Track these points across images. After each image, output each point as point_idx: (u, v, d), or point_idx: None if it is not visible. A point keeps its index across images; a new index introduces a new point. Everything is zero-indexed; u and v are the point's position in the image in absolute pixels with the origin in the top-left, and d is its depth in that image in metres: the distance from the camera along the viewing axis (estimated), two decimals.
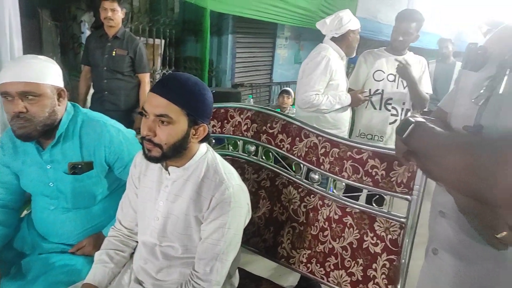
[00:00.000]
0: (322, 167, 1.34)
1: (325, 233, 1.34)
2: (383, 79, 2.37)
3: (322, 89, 2.14)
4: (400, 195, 1.19)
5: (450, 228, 0.80)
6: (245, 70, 4.57)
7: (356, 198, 1.36)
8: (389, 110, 2.34)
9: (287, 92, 3.53)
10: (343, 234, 1.31)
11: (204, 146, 1.13)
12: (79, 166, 1.30)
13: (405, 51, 2.39)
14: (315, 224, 1.37)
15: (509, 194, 0.59)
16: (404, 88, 2.33)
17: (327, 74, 2.12)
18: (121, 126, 1.40)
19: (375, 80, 2.38)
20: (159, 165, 1.12)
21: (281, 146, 1.43)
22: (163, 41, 3.75)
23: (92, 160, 1.32)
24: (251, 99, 3.62)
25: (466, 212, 0.72)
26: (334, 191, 1.38)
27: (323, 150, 1.33)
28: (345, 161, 1.28)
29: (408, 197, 1.17)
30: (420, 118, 0.81)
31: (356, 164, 1.26)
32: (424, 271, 0.93)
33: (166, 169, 1.11)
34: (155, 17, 3.66)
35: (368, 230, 1.26)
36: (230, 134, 1.54)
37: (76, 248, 1.35)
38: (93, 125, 1.33)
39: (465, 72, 0.82)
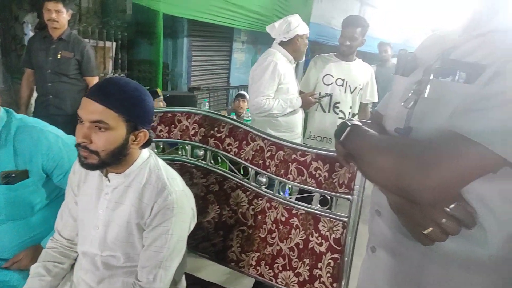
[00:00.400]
0: (268, 170, 1.35)
1: (273, 235, 1.36)
2: (331, 83, 2.45)
3: (272, 93, 2.18)
4: (342, 195, 1.24)
5: (386, 226, 0.83)
6: (202, 74, 4.55)
7: (310, 200, 1.39)
8: (337, 113, 2.43)
9: (243, 96, 3.55)
10: (290, 235, 1.33)
11: (146, 152, 1.11)
12: (13, 175, 1.23)
13: (353, 56, 2.49)
14: (263, 227, 1.38)
15: (433, 192, 0.64)
16: (351, 93, 2.43)
17: (276, 78, 2.16)
18: (60, 132, 1.34)
19: (324, 84, 2.46)
20: (98, 172, 1.08)
21: (229, 150, 1.43)
22: (114, 43, 3.64)
23: (27, 168, 1.25)
24: (206, 103, 3.60)
25: (397, 211, 0.76)
26: (291, 197, 1.41)
27: (269, 153, 1.35)
28: (290, 163, 1.31)
29: (349, 197, 1.22)
30: (356, 122, 0.84)
31: (300, 166, 1.29)
32: (363, 268, 0.96)
33: (106, 176, 1.08)
34: (105, 18, 3.54)
35: (313, 231, 1.29)
36: (178, 139, 1.52)
37: (11, 263, 1.27)
38: (29, 131, 1.26)
39: (396, 77, 0.87)
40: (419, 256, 0.76)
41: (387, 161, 0.68)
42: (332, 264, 1.26)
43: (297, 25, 2.21)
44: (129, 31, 3.83)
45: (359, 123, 0.84)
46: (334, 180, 1.24)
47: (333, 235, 1.26)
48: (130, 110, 0.98)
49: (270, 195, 1.37)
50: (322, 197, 1.30)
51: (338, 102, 2.45)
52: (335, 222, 1.26)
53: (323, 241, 1.27)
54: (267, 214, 1.37)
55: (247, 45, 5.03)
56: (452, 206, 0.65)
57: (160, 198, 1.03)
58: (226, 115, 3.44)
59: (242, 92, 3.73)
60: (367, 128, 0.81)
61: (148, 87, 1.57)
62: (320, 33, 5.07)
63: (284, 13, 4.67)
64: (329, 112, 2.49)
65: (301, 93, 2.40)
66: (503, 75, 0.61)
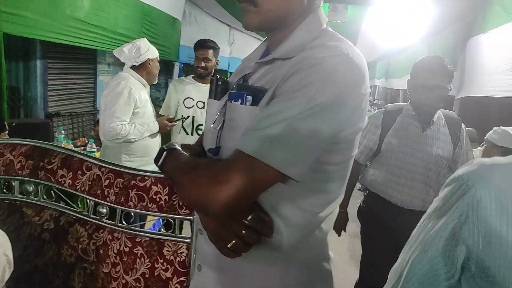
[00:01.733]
0: (108, 199, 1.28)
1: (117, 268, 1.28)
2: (193, 106, 2.49)
3: (128, 118, 2.10)
4: (183, 217, 1.24)
5: (206, 244, 0.85)
6: (62, 99, 4.13)
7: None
8: None
9: None
10: (135, 266, 1.27)
11: None
12: None
13: (210, 78, 2.58)
14: (107, 261, 1.29)
15: (223, 207, 0.67)
16: None
17: (131, 103, 2.10)
18: None
19: (185, 107, 2.49)
20: None
21: (63, 182, 1.31)
22: None
23: None
24: (62, 130, 3.28)
25: (205, 227, 0.79)
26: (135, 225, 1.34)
27: (107, 181, 1.28)
28: (130, 190, 1.27)
29: (191, 217, 1.23)
30: (175, 146, 0.85)
31: (140, 192, 1.26)
32: (191, 287, 0.96)
33: None
34: None
35: (158, 257, 1.26)
36: (1, 175, 1.34)
37: None
38: None
39: (210, 100, 0.92)
40: (238, 267, 0.80)
41: (188, 182, 0.70)
42: None
43: (147, 49, 2.21)
44: None
45: (177, 147, 0.85)
46: (175, 203, 1.24)
47: (178, 258, 1.25)
48: None
49: (112, 226, 1.30)
50: (165, 221, 1.29)
51: (201, 124, 2.50)
52: (179, 244, 1.25)
53: (168, 266, 1.25)
54: (110, 247, 1.29)
55: (114, 67, 4.79)
56: (249, 217, 0.70)
57: None
58: (87, 141, 3.18)
59: None
60: (182, 152, 0.82)
61: None
62: (192, 55, 5.16)
63: (152, 35, 4.62)
64: (192, 134, 2.51)
65: (159, 116, 2.38)
66: (276, 98, 0.70)
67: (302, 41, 0.74)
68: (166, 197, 1.24)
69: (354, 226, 4.06)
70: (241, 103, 0.75)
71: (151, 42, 2.57)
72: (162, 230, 1.28)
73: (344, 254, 3.47)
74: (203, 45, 2.47)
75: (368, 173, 1.94)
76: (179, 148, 0.84)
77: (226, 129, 0.79)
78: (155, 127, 2.24)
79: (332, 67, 0.66)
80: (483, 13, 4.01)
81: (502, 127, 2.34)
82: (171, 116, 2.41)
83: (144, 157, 2.16)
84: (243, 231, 0.70)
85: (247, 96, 0.75)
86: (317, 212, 0.76)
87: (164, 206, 1.25)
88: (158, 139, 2.32)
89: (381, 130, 1.87)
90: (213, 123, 0.84)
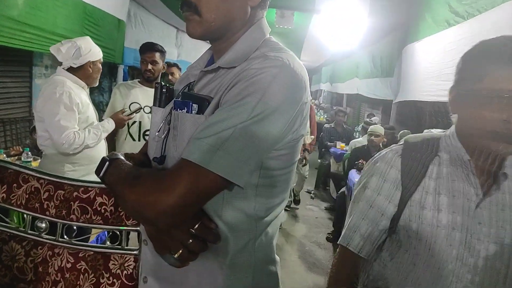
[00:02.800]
0: (47, 213, 1.21)
1: (59, 286, 1.21)
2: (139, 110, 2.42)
3: (76, 124, 1.98)
4: (130, 228, 1.20)
5: (151, 255, 0.84)
6: None
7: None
8: None
9: None
10: (78, 282, 1.21)
11: None
12: None
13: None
14: (47, 279, 1.21)
15: (166, 217, 0.66)
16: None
17: (74, 108, 1.97)
18: None
19: (131, 111, 2.41)
20: None
21: None
22: None
23: None
24: None
25: (150, 238, 0.77)
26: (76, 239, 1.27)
27: (46, 194, 1.21)
28: (72, 202, 1.20)
29: (138, 228, 1.19)
30: (118, 156, 0.82)
31: (84, 204, 1.20)
32: None
33: None
34: None
35: (103, 271, 1.20)
36: None
37: None
38: None
39: (154, 108, 0.90)
40: (183, 276, 0.79)
41: (130, 192, 0.69)
42: None
43: (88, 51, 2.05)
44: None
45: (119, 157, 0.82)
46: (121, 214, 1.20)
47: (124, 272, 1.20)
48: None
49: (52, 242, 1.22)
50: (111, 233, 1.24)
51: (148, 130, 2.43)
52: (126, 257, 1.21)
53: (115, 280, 1.20)
54: (50, 263, 1.21)
55: (52, 69, 4.49)
56: (196, 227, 0.70)
57: None
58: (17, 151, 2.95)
59: None
60: (125, 162, 0.80)
61: None
62: (137, 58, 5.00)
63: (95, 37, 4.40)
64: (139, 140, 2.44)
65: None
66: (221, 107, 0.71)
67: (245, 51, 0.77)
68: (112, 208, 1.20)
69: (304, 227, 4.18)
70: (187, 112, 0.76)
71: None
72: (108, 243, 1.23)
73: (294, 255, 3.56)
74: (150, 48, 2.41)
75: (376, 277, 1.00)
76: (122, 157, 0.82)
77: (171, 138, 0.79)
78: (110, 125, 2.13)
79: (274, 76, 0.69)
80: (417, 23, 4.35)
81: (433, 130, 2.55)
82: (125, 109, 2.31)
83: (89, 165, 2.05)
84: (189, 241, 0.70)
85: (193, 105, 0.76)
86: (262, 217, 0.78)
87: (109, 217, 1.20)
88: (104, 145, 2.21)
89: (402, 192, 0.91)
90: (158, 132, 0.83)
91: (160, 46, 2.45)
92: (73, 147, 1.93)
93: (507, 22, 2.70)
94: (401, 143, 0.97)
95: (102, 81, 5.82)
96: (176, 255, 0.71)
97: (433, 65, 3.85)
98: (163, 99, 0.89)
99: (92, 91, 5.26)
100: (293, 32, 5.95)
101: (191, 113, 0.75)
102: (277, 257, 0.88)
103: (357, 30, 4.91)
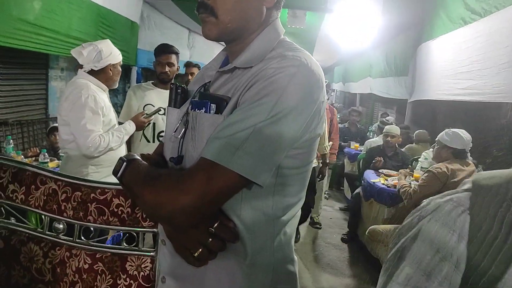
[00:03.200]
0: (65, 214, 1.22)
1: (76, 287, 1.22)
2: None
3: (101, 128, 2.00)
4: (147, 230, 1.20)
5: (170, 255, 0.84)
6: (10, 106, 3.87)
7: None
8: None
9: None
10: (96, 283, 1.21)
11: None
12: None
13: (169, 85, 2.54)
14: (64, 280, 1.22)
15: (185, 216, 0.66)
16: None
17: (100, 112, 1.99)
18: None
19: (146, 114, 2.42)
20: None
21: (14, 198, 1.23)
22: None
23: None
24: (10, 140, 3.07)
25: (169, 238, 0.78)
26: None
27: (64, 195, 1.22)
28: (89, 204, 1.21)
29: (155, 229, 1.19)
30: (134, 156, 0.82)
31: (101, 206, 1.21)
32: None
33: None
34: None
35: (120, 273, 1.21)
36: None
37: None
38: None
39: (169, 109, 0.90)
40: (202, 275, 0.78)
41: (149, 192, 0.69)
42: None
43: (109, 54, 2.07)
44: None
45: (136, 158, 0.82)
46: (138, 215, 1.20)
47: (141, 273, 1.21)
48: None
49: (69, 243, 1.23)
50: (128, 234, 1.24)
51: (162, 131, 2.44)
52: (143, 258, 1.21)
53: (131, 281, 1.20)
54: (68, 264, 1.22)
55: (68, 72, 4.56)
56: (215, 225, 0.70)
57: None
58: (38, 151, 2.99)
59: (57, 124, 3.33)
60: (142, 162, 0.80)
61: None
62: (150, 59, 5.04)
63: (110, 40, 4.46)
64: (153, 142, 2.45)
65: (120, 123, 2.28)
66: (240, 106, 0.71)
67: (261, 51, 0.77)
68: (129, 209, 1.20)
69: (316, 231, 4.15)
70: (205, 112, 0.75)
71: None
72: (124, 244, 1.23)
73: (309, 255, 3.54)
74: (166, 50, 2.41)
75: None
76: (138, 158, 0.82)
77: (189, 138, 0.79)
78: (131, 127, 2.15)
79: (292, 76, 0.69)
80: (431, 21, 4.27)
81: (453, 129, 2.49)
82: (145, 111, 2.33)
83: (111, 166, 2.01)
84: (209, 240, 0.71)
85: (211, 105, 0.75)
86: (280, 216, 0.78)
87: (126, 219, 1.20)
88: (124, 147, 2.22)
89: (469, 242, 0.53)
90: (174, 132, 0.83)
91: (176, 48, 2.46)
92: (98, 150, 1.95)
93: None
94: (465, 187, 0.57)
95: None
96: (195, 254, 0.71)
97: (449, 64, 3.78)
98: (179, 99, 0.89)
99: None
100: (305, 32, 5.92)
101: (209, 113, 0.75)
102: (295, 257, 0.87)
103: (370, 29, 4.86)
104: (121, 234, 1.28)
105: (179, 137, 0.81)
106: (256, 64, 0.75)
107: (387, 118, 5.80)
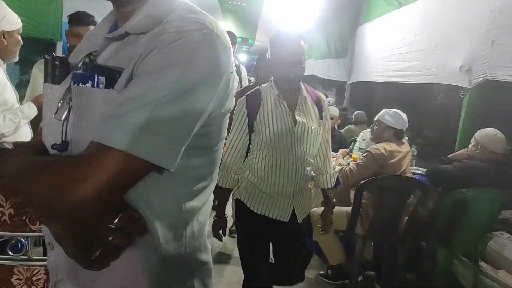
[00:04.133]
0: None
1: None
2: None
3: None
4: (39, 234, 0.99)
5: (61, 257, 0.70)
6: None
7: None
8: None
9: None
10: None
11: None
12: None
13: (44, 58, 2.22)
14: None
15: (77, 209, 0.56)
16: None
17: None
18: None
19: None
20: None
21: None
22: None
23: None
24: None
25: (59, 241, 0.64)
26: None
27: None
28: None
29: None
30: (9, 146, 0.70)
31: None
32: None
33: None
34: None
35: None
36: None
37: None
38: None
39: (46, 85, 0.75)
40: (104, 277, 0.67)
41: (36, 185, 0.59)
42: None
43: (2, 18, 1.70)
44: None
45: (11, 147, 0.69)
46: (24, 217, 0.98)
47: (33, 287, 0.99)
48: None
49: None
50: (13, 241, 1.02)
51: None
52: (34, 270, 1.00)
53: None
54: None
55: None
56: (116, 220, 0.60)
57: None
58: None
59: None
60: (24, 151, 0.68)
61: None
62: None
63: (23, 7, 3.91)
64: None
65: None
66: (136, 78, 0.59)
67: (158, 13, 0.65)
68: (11, 210, 0.97)
69: None
70: (92, 86, 0.63)
71: (21, 17, 2.04)
72: (10, 253, 1.00)
73: None
74: (84, 21, 2.07)
75: None
76: (15, 148, 0.70)
77: (75, 119, 0.66)
78: (32, 111, 1.81)
79: (197, 43, 0.60)
80: (369, 3, 4.31)
81: (394, 110, 2.47)
82: None
83: None
84: (110, 237, 0.60)
85: (99, 77, 0.63)
86: (190, 202, 0.71)
87: (9, 222, 0.97)
88: (27, 133, 1.88)
89: None
90: (56, 113, 0.69)
91: (95, 19, 2.12)
92: None
93: (457, 1, 2.70)
94: None
95: (37, 60, 5.22)
96: (93, 256, 0.60)
97: (384, 46, 3.85)
98: (57, 73, 0.74)
99: (23, 72, 4.75)
100: (246, 10, 5.75)
101: (97, 87, 0.63)
102: (209, 245, 0.80)
103: (311, 10, 4.81)
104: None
105: (62, 119, 0.67)
106: (153, 29, 0.64)
107: (327, 99, 5.89)
